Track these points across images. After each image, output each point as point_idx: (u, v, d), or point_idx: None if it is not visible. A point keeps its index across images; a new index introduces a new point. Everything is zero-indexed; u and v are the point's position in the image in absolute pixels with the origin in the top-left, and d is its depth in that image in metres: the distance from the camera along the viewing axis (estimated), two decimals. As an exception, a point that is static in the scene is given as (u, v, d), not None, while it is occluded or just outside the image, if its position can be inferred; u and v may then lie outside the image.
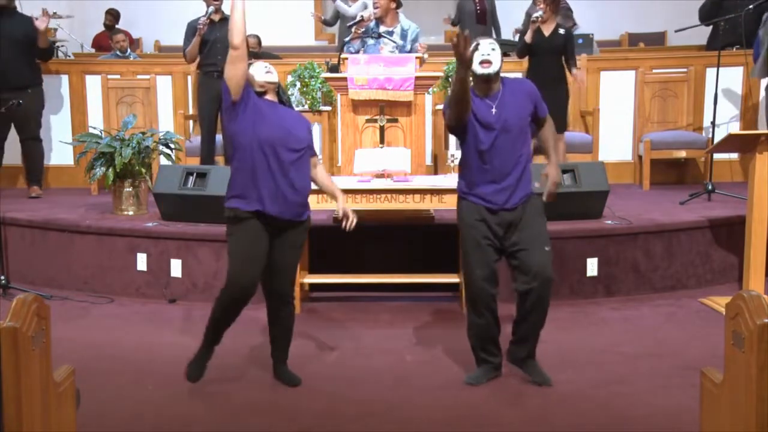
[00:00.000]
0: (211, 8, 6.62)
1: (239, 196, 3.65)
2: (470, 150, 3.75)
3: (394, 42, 5.99)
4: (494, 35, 8.94)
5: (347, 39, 6.15)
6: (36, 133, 6.95)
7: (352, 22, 6.22)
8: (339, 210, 3.82)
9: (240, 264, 3.64)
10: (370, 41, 6.00)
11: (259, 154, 3.60)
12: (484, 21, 9.37)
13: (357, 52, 6.12)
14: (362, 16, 6.14)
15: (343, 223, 3.81)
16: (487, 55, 3.69)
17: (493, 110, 3.70)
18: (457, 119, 3.67)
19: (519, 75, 6.83)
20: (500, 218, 3.73)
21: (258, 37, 8.88)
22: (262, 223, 3.65)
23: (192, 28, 6.72)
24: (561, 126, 6.53)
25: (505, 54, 7.52)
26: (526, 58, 6.60)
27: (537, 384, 3.81)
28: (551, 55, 6.42)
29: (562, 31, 6.43)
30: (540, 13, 6.35)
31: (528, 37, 6.39)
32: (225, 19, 6.75)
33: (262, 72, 3.72)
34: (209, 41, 6.65)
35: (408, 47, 6.02)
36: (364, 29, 6.07)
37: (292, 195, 3.64)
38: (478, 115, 3.70)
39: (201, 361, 3.81)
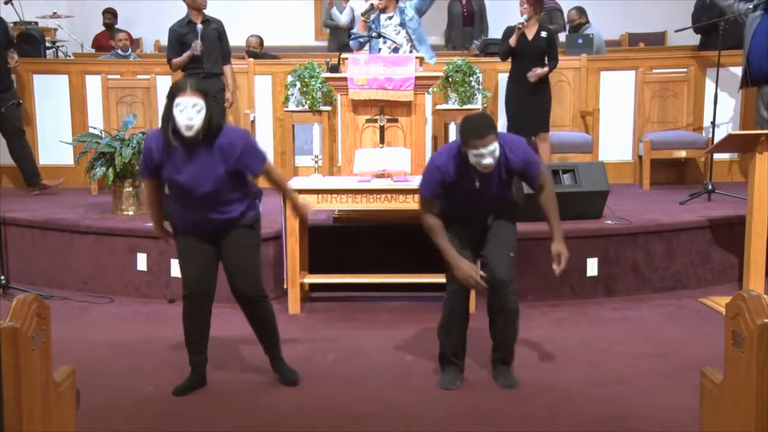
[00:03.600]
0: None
1: (174, 219, 3.72)
2: (450, 199, 3.70)
3: (395, 42, 6.06)
4: (482, 35, 8.98)
5: (354, 30, 6.22)
6: (16, 132, 6.88)
7: (364, 10, 6.32)
8: (297, 208, 3.94)
9: (184, 269, 3.74)
10: (375, 40, 6.15)
11: (177, 190, 3.62)
12: (471, 23, 9.46)
13: (363, 44, 6.26)
14: (372, 4, 6.22)
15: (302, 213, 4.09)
16: (489, 164, 3.50)
17: (477, 184, 3.62)
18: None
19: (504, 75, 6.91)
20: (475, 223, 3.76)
21: (260, 38, 8.89)
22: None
23: (176, 35, 6.63)
24: (544, 126, 6.59)
25: (490, 54, 7.58)
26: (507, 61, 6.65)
27: (502, 386, 3.78)
28: (534, 57, 6.48)
29: (544, 33, 6.49)
30: (525, 17, 6.37)
31: (512, 41, 6.41)
32: (207, 21, 6.69)
33: (183, 119, 3.42)
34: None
35: (417, 15, 6.26)
36: (372, 18, 6.19)
37: (214, 220, 3.62)
38: (460, 186, 3.64)
39: (186, 384, 3.80)
